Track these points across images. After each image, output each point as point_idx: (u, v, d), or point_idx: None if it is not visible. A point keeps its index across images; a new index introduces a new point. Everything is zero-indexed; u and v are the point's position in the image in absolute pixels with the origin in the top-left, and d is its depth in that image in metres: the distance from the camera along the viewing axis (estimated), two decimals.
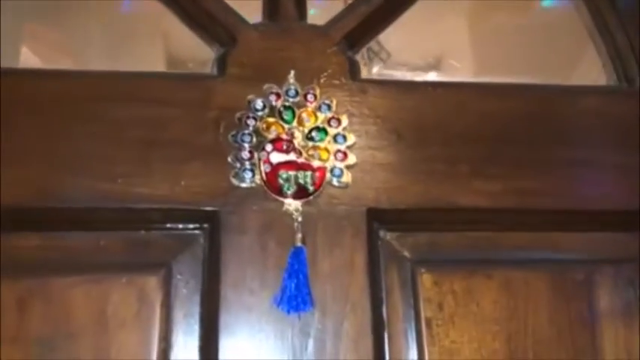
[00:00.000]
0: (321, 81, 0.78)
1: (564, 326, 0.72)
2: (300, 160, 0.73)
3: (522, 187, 0.75)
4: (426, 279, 0.73)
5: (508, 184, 0.75)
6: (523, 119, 0.78)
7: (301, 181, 0.72)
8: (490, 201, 0.74)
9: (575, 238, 0.76)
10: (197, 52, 0.89)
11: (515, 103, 0.79)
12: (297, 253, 0.68)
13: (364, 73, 1.00)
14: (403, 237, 0.74)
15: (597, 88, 0.86)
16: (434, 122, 0.78)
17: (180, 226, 0.72)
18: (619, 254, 0.76)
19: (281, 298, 0.66)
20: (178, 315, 0.68)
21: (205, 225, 0.71)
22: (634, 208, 0.76)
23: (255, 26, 0.81)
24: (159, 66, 1.00)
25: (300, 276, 0.67)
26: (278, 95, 0.76)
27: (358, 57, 0.85)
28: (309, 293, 0.67)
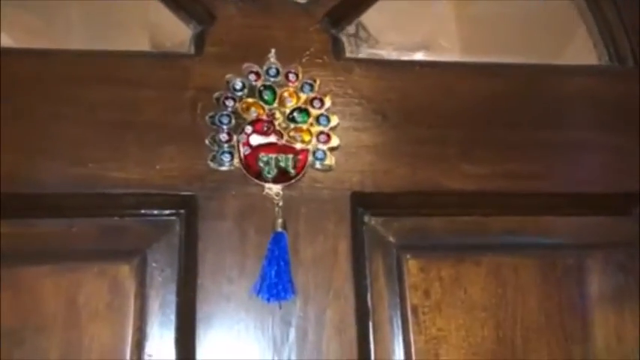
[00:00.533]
0: (304, 60, 0.74)
1: (554, 312, 0.70)
2: (281, 142, 0.70)
3: (512, 169, 0.73)
4: (412, 265, 0.70)
5: (497, 166, 0.73)
6: (513, 99, 0.76)
7: (282, 164, 0.69)
8: (478, 184, 0.72)
9: (566, 222, 0.74)
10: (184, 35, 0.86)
11: (504, 83, 0.77)
12: (278, 239, 0.65)
13: None
14: (388, 222, 0.71)
15: (588, 67, 0.83)
16: (421, 103, 0.75)
17: (156, 211, 0.68)
18: (610, 238, 0.74)
19: (261, 287, 0.63)
20: (154, 305, 0.65)
21: (182, 211, 0.68)
22: (625, 191, 0.74)
23: (234, 3, 0.77)
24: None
25: (281, 263, 0.64)
26: (258, 75, 0.72)
27: (343, 37, 0.81)
28: (290, 281, 0.64)
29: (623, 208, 0.75)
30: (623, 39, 0.83)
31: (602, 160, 0.75)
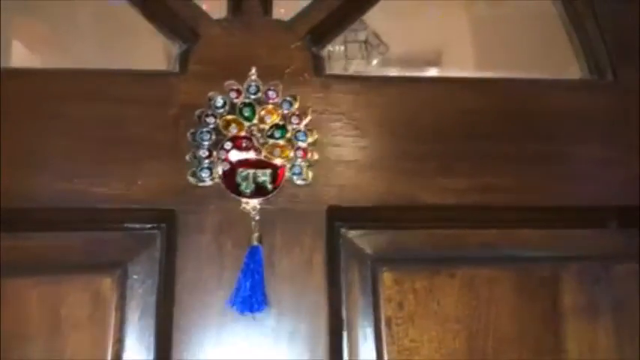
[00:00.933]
0: (284, 77, 0.76)
1: (528, 325, 0.71)
2: (260, 157, 0.72)
3: (489, 183, 0.74)
4: (386, 277, 0.72)
5: (474, 180, 0.74)
6: (491, 114, 0.77)
7: (260, 179, 0.71)
8: (455, 198, 0.73)
9: (541, 235, 0.75)
10: None
11: (484, 98, 0.78)
12: (253, 253, 0.67)
13: (362, 67, 0.98)
14: (365, 235, 0.73)
15: (567, 81, 0.84)
16: (400, 118, 0.76)
17: (137, 225, 0.71)
18: (586, 251, 0.75)
19: (235, 299, 0.65)
20: (134, 316, 0.68)
21: (162, 225, 0.71)
22: (602, 204, 0.75)
23: (218, 22, 0.80)
24: (158, 58, 1.00)
25: (256, 276, 0.66)
26: (239, 92, 0.74)
27: (324, 53, 0.83)
28: (264, 293, 0.66)
29: (600, 220, 0.76)
30: (602, 52, 0.84)
31: (579, 173, 0.76)
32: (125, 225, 0.71)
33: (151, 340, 0.67)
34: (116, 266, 0.69)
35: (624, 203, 0.75)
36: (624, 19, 0.84)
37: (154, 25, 0.83)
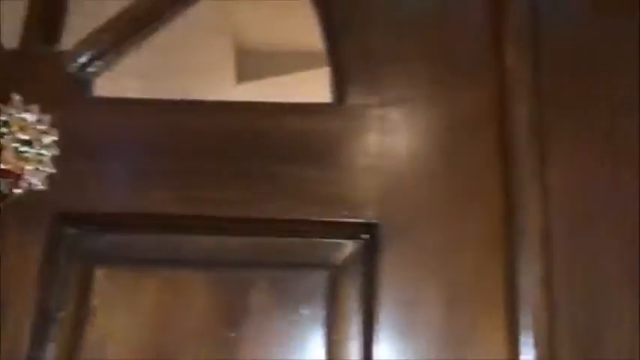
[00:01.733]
0: (45, 100, 0.89)
1: (215, 322, 0.81)
2: (7, 168, 0.86)
3: (205, 195, 0.83)
4: (99, 274, 0.83)
5: (187, 192, 0.84)
6: (231, 135, 0.86)
7: None
8: (176, 207, 0.83)
9: (241, 242, 0.84)
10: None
11: (227, 121, 0.87)
12: None
13: None
14: (87, 238, 0.85)
15: (303, 105, 0.90)
16: (151, 138, 0.87)
17: None
18: (283, 258, 0.84)
19: None
20: None
21: None
22: (305, 217, 0.83)
23: (5, 51, 0.94)
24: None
25: None
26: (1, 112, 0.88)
27: (95, 78, 0.94)
28: None
29: (305, 232, 0.84)
30: (337, 79, 0.91)
31: (290, 189, 0.84)
32: None
33: None
34: None
35: (329, 218, 0.83)
36: (366, 46, 0.91)
37: None
